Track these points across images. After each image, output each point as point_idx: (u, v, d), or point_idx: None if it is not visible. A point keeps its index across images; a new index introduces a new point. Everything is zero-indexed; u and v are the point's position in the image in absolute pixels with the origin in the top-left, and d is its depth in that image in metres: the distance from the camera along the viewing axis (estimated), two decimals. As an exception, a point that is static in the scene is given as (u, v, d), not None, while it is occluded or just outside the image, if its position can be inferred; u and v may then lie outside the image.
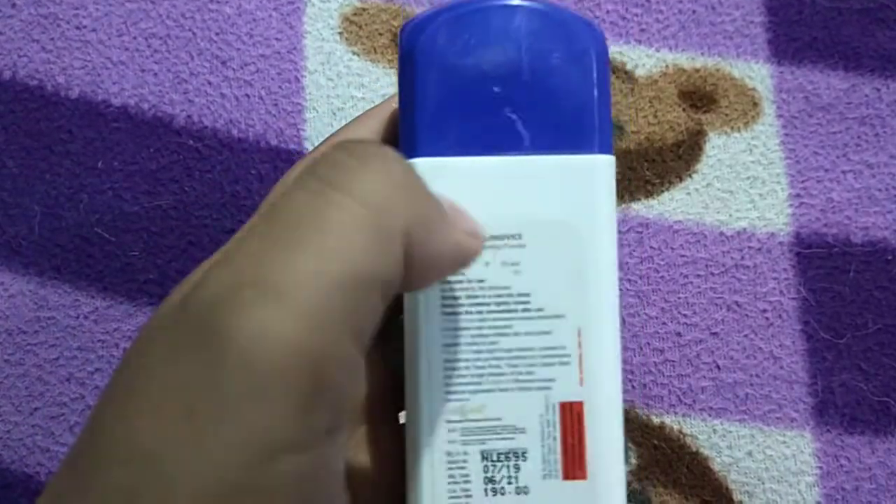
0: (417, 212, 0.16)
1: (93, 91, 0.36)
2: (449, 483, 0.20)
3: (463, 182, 0.20)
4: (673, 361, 0.34)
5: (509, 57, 0.20)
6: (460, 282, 0.20)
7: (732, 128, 0.36)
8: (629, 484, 0.33)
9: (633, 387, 0.34)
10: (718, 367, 0.34)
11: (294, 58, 0.36)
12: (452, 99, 0.20)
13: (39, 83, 0.36)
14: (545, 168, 0.20)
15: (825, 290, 0.35)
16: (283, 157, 0.35)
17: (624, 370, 0.34)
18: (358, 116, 0.23)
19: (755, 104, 0.37)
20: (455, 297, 0.20)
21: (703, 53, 0.37)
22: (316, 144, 0.36)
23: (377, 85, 0.36)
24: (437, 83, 0.20)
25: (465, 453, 0.20)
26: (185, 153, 0.35)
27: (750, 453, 0.33)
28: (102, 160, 0.35)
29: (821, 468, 0.33)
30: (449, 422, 0.20)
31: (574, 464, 0.21)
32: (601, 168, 0.21)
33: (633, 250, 0.35)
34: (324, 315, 0.14)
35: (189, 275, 0.19)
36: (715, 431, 0.33)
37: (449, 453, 0.20)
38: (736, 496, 0.33)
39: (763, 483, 0.33)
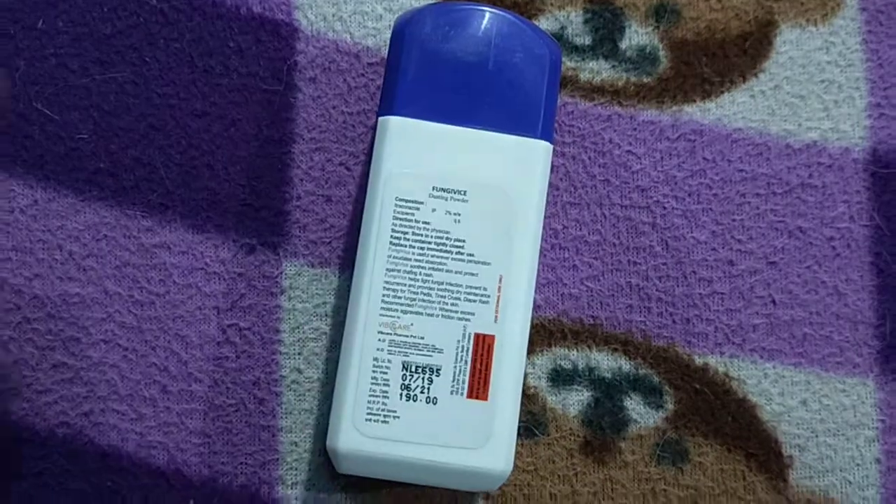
0: None
1: (31, -70, 0.29)
2: (371, 384, 0.25)
3: (426, 141, 0.25)
4: (722, 294, 0.29)
5: (480, 50, 0.26)
6: (408, 221, 0.25)
7: (808, 20, 0.30)
8: (664, 432, 0.28)
9: (674, 321, 0.29)
10: (774, 301, 0.29)
11: None
12: (428, 74, 0.25)
13: (-37, -84, 0.29)
14: (495, 143, 0.26)
15: (899, 218, 0.30)
16: (267, 28, 0.29)
17: (664, 301, 0.29)
18: None
19: (836, -7, 0.31)
20: (403, 233, 0.25)
21: (779, -73, 0.31)
22: (309, 15, 0.29)
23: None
24: (417, 60, 0.25)
25: (389, 361, 0.25)
26: (146, 15, 0.29)
27: (804, 402, 0.29)
28: (44, 18, 0.28)
29: (882, 421, 0.29)
30: (380, 332, 0.25)
31: (479, 386, 0.25)
32: (540, 151, 0.26)
33: (684, 161, 0.30)
34: None
35: None
36: (766, 376, 0.29)
37: (376, 359, 0.25)
38: (786, 450, 0.28)
39: (817, 436, 0.29)
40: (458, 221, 0.25)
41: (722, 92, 0.30)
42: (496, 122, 0.25)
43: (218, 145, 0.29)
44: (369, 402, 0.25)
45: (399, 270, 0.25)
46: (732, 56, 0.30)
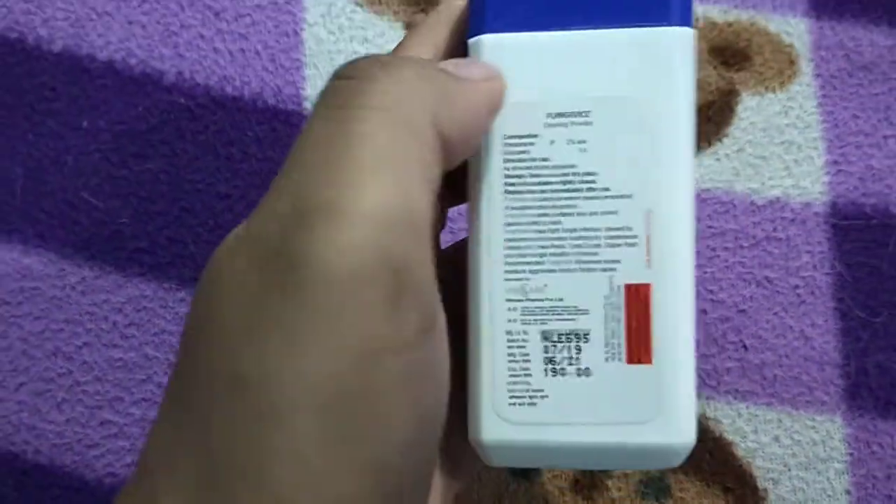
0: (430, 90, 0.17)
1: (77, 44, 0.33)
2: (509, 362, 0.20)
3: (529, 58, 0.20)
4: (697, 340, 0.32)
5: None
6: (523, 160, 0.20)
7: (767, 88, 0.34)
8: (647, 470, 0.31)
9: (653, 367, 0.32)
10: (745, 346, 0.32)
11: (293, 9, 0.34)
12: None
13: (20, 36, 0.33)
14: (616, 42, 0.20)
15: (862, 265, 0.32)
16: (280, 118, 0.33)
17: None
18: (415, 30, 0.22)
19: (792, 62, 0.34)
20: (518, 176, 0.20)
21: (736, 6, 0.34)
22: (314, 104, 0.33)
23: (382, 39, 0.33)
24: None
25: (525, 332, 0.20)
26: (175, 112, 0.33)
27: (776, 438, 0.31)
28: (88, 119, 0.33)
29: (851, 455, 0.31)
30: (509, 300, 0.20)
31: (639, 347, 0.20)
32: (677, 41, 0.19)
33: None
34: (382, 218, 0.15)
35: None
36: (740, 415, 0.31)
37: (509, 332, 0.20)
38: (760, 483, 0.31)
39: (789, 470, 0.31)
40: (585, 151, 0.20)
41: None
42: (614, 15, 0.20)
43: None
44: (510, 383, 0.20)
45: (520, 224, 0.20)
46: (698, 124, 0.33)
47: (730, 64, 0.34)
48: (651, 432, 0.20)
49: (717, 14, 0.34)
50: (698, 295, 0.32)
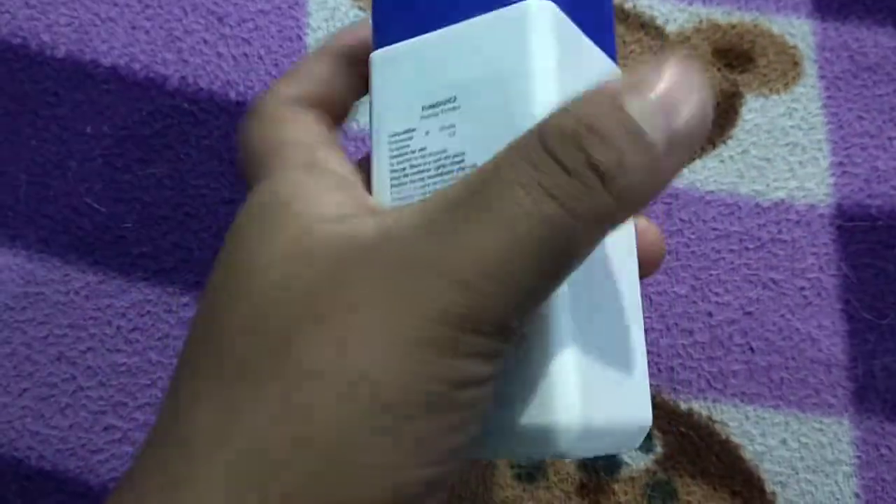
0: (626, 208, 0.16)
1: (80, 50, 0.33)
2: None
3: (409, 62, 0.20)
4: (703, 343, 0.32)
5: None
6: (404, 154, 0.21)
7: (771, 90, 0.33)
8: (654, 473, 0.31)
9: (659, 370, 0.32)
10: (752, 349, 0.32)
11: (295, 13, 0.34)
12: None
13: (23, 41, 0.33)
14: (478, 28, 0.20)
15: (868, 267, 0.32)
16: (284, 122, 0.33)
17: (650, 353, 0.32)
18: (310, 55, 0.22)
19: (796, 64, 0.34)
20: (402, 170, 0.21)
21: (739, 8, 0.34)
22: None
23: (385, 43, 0.33)
24: None
25: None
26: (179, 117, 0.33)
27: (784, 441, 0.31)
28: (91, 125, 0.33)
29: (859, 457, 0.31)
30: None
31: None
32: (533, 14, 0.19)
33: (662, 223, 0.33)
34: (518, 290, 0.15)
35: None
36: (747, 418, 0.31)
37: None
38: (768, 486, 0.31)
39: (797, 473, 0.31)
40: (454, 134, 0.20)
41: (694, 159, 0.33)
42: (480, 5, 0.20)
43: (244, 227, 0.32)
44: None
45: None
46: (702, 126, 0.33)
47: (733, 66, 0.34)
48: (529, 412, 0.18)
49: (720, 16, 0.34)
50: (704, 297, 0.32)
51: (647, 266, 0.23)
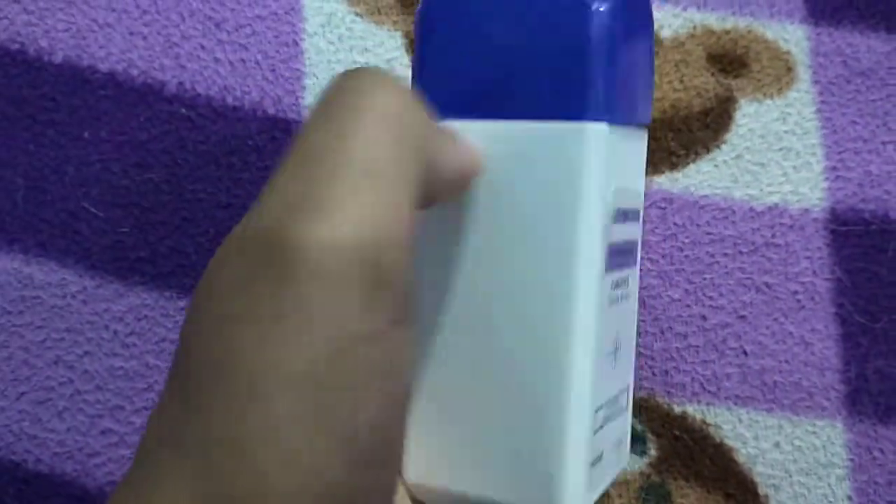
0: (431, 129, 0.18)
1: (78, 56, 0.33)
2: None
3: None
4: (697, 347, 0.32)
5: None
6: None
7: (765, 94, 0.34)
8: (648, 476, 0.31)
9: (653, 374, 0.32)
10: (745, 352, 0.32)
11: (292, 19, 0.34)
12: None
13: (21, 47, 0.33)
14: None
15: (861, 271, 0.32)
16: (281, 127, 0.33)
17: (644, 356, 0.32)
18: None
19: (790, 69, 0.34)
20: None
21: (734, 13, 0.34)
22: (317, 99, 0.33)
23: (381, 49, 0.34)
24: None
25: None
26: (176, 122, 0.33)
27: (777, 444, 0.31)
28: (89, 130, 0.33)
29: (852, 460, 0.31)
30: None
31: None
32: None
33: (656, 227, 0.33)
34: (371, 218, 0.16)
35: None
36: (740, 421, 0.31)
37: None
38: (761, 489, 0.31)
39: (790, 476, 0.31)
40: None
41: (688, 163, 0.33)
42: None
43: (240, 232, 0.33)
44: None
45: None
46: (696, 130, 0.33)
47: (727, 71, 0.34)
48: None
49: (714, 21, 0.34)
50: (698, 301, 0.32)
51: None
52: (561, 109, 0.19)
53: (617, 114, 0.20)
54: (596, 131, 0.19)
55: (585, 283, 0.19)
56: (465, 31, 0.20)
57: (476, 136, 0.20)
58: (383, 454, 0.16)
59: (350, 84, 0.17)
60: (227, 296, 0.16)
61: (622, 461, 0.22)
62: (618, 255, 0.21)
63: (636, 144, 0.22)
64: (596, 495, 0.20)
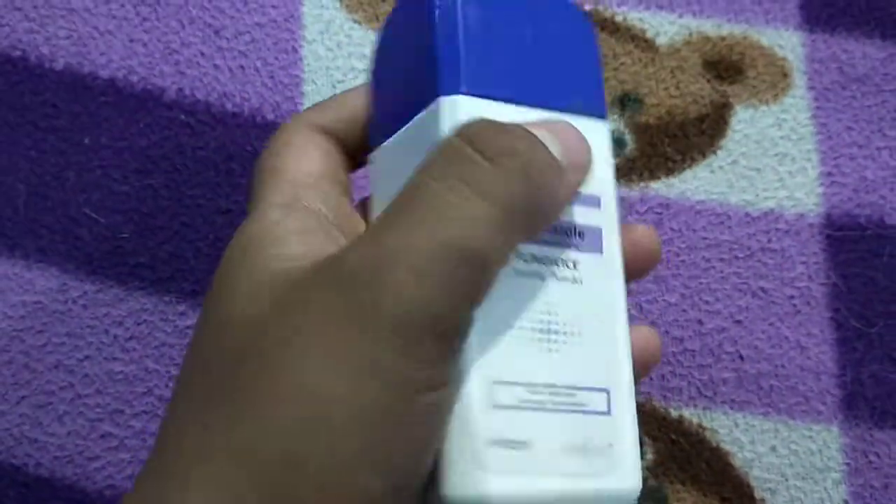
0: (540, 198, 0.18)
1: (79, 63, 0.34)
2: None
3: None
4: (693, 351, 0.32)
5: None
6: None
7: (760, 100, 0.34)
8: (645, 480, 0.31)
9: (650, 378, 0.32)
10: (742, 357, 0.32)
11: (291, 26, 0.34)
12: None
13: (22, 54, 0.34)
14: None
15: (857, 276, 0.33)
16: (280, 133, 0.33)
17: (640, 360, 0.32)
18: (327, 101, 0.23)
19: (785, 75, 0.34)
20: None
21: (729, 20, 0.35)
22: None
23: (379, 55, 0.34)
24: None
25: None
26: (176, 129, 0.33)
27: (773, 448, 0.31)
28: (90, 136, 0.33)
29: (848, 464, 0.31)
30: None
31: None
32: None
33: (652, 232, 0.33)
34: (454, 290, 0.17)
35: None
36: (737, 425, 0.31)
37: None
38: (758, 493, 0.31)
39: (787, 480, 0.31)
40: None
41: (684, 169, 0.34)
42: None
43: (240, 237, 0.33)
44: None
45: None
46: (692, 136, 0.34)
47: (723, 77, 0.34)
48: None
49: (710, 28, 0.35)
50: (695, 306, 0.32)
51: (641, 270, 0.23)
52: (428, 92, 0.21)
53: (490, 90, 0.21)
54: (450, 102, 0.20)
55: None
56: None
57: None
58: (414, 481, 0.18)
59: (469, 158, 0.18)
60: (311, 331, 0.17)
61: (615, 474, 0.21)
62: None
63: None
64: (512, 487, 0.19)
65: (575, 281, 0.21)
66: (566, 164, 0.19)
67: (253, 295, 0.18)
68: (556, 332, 0.21)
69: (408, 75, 0.22)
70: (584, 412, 0.20)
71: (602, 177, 0.22)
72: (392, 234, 0.17)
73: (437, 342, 0.17)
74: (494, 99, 0.21)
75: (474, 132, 0.18)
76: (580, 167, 0.20)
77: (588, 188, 0.21)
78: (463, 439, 0.19)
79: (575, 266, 0.21)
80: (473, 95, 0.20)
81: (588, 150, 0.20)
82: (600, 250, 0.22)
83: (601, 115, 0.22)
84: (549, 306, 0.21)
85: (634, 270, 0.23)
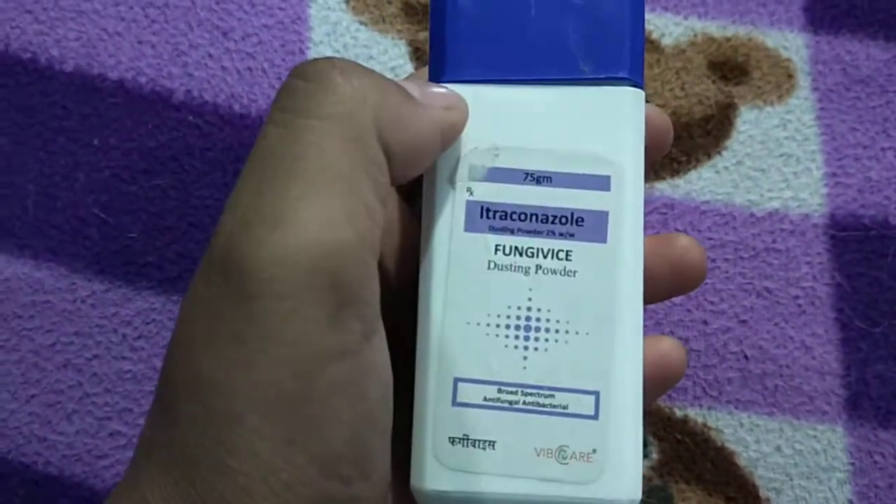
0: (383, 105, 0.17)
1: (88, 64, 0.34)
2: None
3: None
4: (698, 351, 0.32)
5: None
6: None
7: (765, 101, 0.34)
8: (650, 479, 0.31)
9: (655, 377, 0.32)
10: (746, 357, 0.32)
11: (298, 28, 0.34)
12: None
13: (33, 56, 0.34)
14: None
15: (861, 276, 0.33)
16: (287, 134, 0.34)
17: (645, 360, 0.32)
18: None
19: (789, 76, 0.34)
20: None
21: (734, 21, 0.35)
22: (272, 105, 0.34)
23: (385, 57, 0.34)
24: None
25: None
26: (184, 130, 0.34)
27: (778, 448, 0.31)
28: (98, 137, 0.33)
29: (853, 464, 0.31)
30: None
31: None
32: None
33: (658, 233, 0.33)
34: (327, 231, 0.15)
35: None
36: (742, 425, 0.32)
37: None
38: (763, 493, 0.31)
39: (791, 479, 0.31)
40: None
41: (689, 169, 0.34)
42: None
43: (247, 237, 0.33)
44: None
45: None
46: (697, 137, 0.34)
47: (728, 78, 0.34)
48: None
49: (715, 29, 0.35)
50: (699, 306, 0.33)
51: (691, 281, 0.23)
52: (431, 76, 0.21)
53: (484, 72, 0.20)
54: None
55: (427, 239, 0.20)
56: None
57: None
58: (363, 466, 0.16)
59: (305, 77, 0.17)
60: (191, 318, 0.16)
61: (598, 482, 0.19)
62: (506, 219, 0.20)
63: (565, 103, 0.20)
64: (474, 485, 0.19)
65: (566, 273, 0.20)
66: (424, 102, 0.18)
67: None
68: (537, 329, 0.19)
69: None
70: (563, 415, 0.19)
71: (614, 156, 0.20)
72: (241, 196, 0.16)
73: (320, 295, 0.15)
74: (489, 82, 0.20)
75: (302, 65, 0.17)
76: (448, 104, 0.19)
77: (592, 167, 0.20)
78: (424, 434, 0.19)
79: (568, 257, 0.20)
80: (460, 82, 0.20)
81: (459, 99, 0.19)
82: (604, 239, 0.20)
83: (633, 83, 0.20)
84: (531, 301, 0.20)
85: (677, 287, 0.22)
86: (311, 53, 0.34)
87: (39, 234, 0.33)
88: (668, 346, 0.22)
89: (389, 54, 0.34)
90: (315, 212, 0.15)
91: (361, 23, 0.35)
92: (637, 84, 0.20)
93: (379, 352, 0.17)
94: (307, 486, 0.15)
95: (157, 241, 0.33)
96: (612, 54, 0.20)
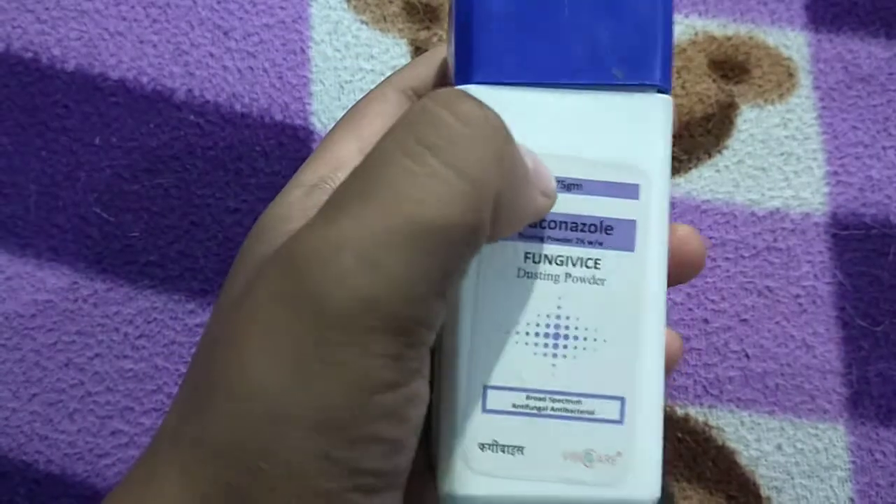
0: (509, 178, 0.16)
1: (90, 64, 0.34)
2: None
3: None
4: (699, 350, 0.32)
5: None
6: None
7: (766, 100, 0.34)
8: (651, 478, 0.31)
9: (656, 376, 0.32)
10: (747, 355, 0.32)
11: (299, 27, 0.34)
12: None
13: (34, 55, 0.34)
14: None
15: (862, 275, 0.33)
16: (288, 133, 0.34)
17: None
18: (410, 63, 0.23)
19: (790, 75, 0.34)
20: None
21: (735, 20, 0.35)
22: (322, 119, 0.34)
23: (387, 56, 0.34)
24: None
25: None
26: (185, 129, 0.34)
27: (779, 447, 0.31)
28: (100, 136, 0.33)
29: (854, 463, 0.31)
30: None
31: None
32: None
33: (658, 231, 0.33)
34: (415, 283, 0.15)
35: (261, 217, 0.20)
36: (743, 424, 0.32)
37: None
38: (764, 491, 0.31)
39: (793, 478, 0.31)
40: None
41: (690, 168, 0.34)
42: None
43: (248, 236, 0.33)
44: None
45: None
46: (698, 136, 0.34)
47: (729, 77, 0.34)
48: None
49: (715, 28, 0.35)
50: (700, 305, 0.33)
51: (689, 269, 0.23)
52: (457, 80, 0.20)
53: (511, 75, 0.20)
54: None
55: None
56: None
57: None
58: (391, 480, 0.17)
59: (438, 120, 0.16)
60: (249, 320, 0.16)
61: (623, 484, 0.20)
62: (536, 227, 0.20)
63: (593, 110, 0.20)
64: (503, 489, 0.19)
65: (595, 281, 0.20)
66: (533, 180, 0.18)
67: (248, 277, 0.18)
68: (566, 337, 0.20)
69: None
70: (590, 420, 0.20)
71: (643, 164, 0.20)
72: (342, 214, 0.15)
73: (391, 338, 0.15)
74: (517, 84, 0.20)
75: (444, 96, 0.16)
76: (546, 191, 0.18)
77: (622, 175, 0.20)
78: (453, 441, 0.19)
79: (597, 265, 0.20)
80: (489, 84, 0.19)
81: (554, 186, 0.19)
82: (631, 247, 0.20)
83: (661, 89, 0.20)
84: (560, 309, 0.20)
85: (676, 275, 0.22)
86: (313, 53, 0.34)
87: (41, 233, 0.33)
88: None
89: (391, 53, 0.34)
90: (410, 262, 0.15)
91: (363, 22, 0.35)
92: (666, 90, 0.20)
93: (425, 379, 0.17)
94: (336, 496, 0.16)
95: (158, 240, 0.33)
96: (645, 60, 0.20)
